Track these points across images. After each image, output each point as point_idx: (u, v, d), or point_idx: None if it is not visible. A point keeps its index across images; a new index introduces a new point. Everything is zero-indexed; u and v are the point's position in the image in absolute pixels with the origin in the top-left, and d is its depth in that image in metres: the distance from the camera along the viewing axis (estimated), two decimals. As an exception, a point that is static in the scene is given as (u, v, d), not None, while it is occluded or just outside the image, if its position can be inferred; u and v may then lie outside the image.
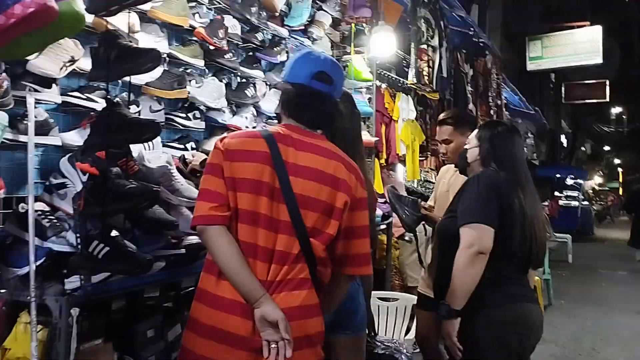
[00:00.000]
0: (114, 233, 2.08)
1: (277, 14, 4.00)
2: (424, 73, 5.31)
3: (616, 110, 35.27)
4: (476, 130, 2.64)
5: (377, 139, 4.95)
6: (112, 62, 2.04)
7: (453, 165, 3.25)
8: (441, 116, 3.43)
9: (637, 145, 37.61)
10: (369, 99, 4.92)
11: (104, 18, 2.28)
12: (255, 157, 1.79)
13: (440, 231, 2.62)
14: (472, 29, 6.94)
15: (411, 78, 5.32)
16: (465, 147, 2.66)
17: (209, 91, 3.32)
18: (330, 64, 1.93)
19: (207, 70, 3.47)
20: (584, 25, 14.23)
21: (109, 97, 2.16)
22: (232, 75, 3.72)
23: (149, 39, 2.93)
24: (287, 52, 4.15)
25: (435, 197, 3.52)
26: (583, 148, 32.66)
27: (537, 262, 2.49)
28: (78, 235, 2.08)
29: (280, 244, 1.78)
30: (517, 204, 2.34)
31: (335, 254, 1.88)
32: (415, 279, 4.54)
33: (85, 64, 2.46)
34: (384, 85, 5.39)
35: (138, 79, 2.76)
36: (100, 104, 2.48)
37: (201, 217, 1.77)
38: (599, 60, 13.80)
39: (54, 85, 2.34)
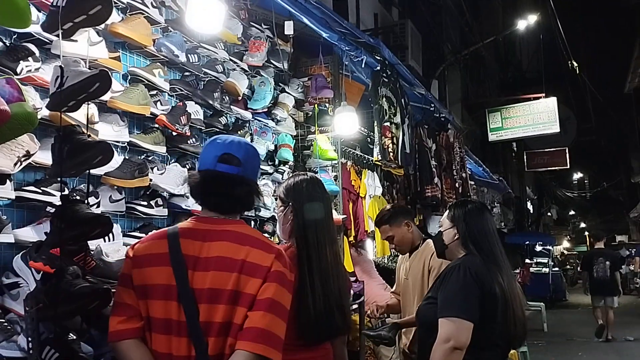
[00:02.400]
0: (69, 336, 1.96)
1: (240, 97, 4.05)
2: (389, 150, 5.39)
3: (578, 175, 36.34)
4: (447, 212, 2.65)
5: (344, 216, 4.94)
6: (65, 157, 1.99)
7: (406, 257, 3.62)
8: (375, 220, 3.72)
9: (601, 210, 38.54)
10: (335, 177, 4.94)
11: (64, 112, 2.26)
12: (159, 260, 1.73)
13: (420, 317, 2.57)
14: (432, 104, 7.14)
15: (376, 155, 5.38)
16: (440, 229, 2.67)
17: (171, 177, 3.28)
18: (236, 145, 1.88)
19: (169, 156, 3.45)
20: (540, 97, 14.78)
21: (63, 192, 2.09)
22: (196, 160, 3.70)
23: (109, 129, 2.91)
24: (251, 135, 4.18)
25: (399, 284, 3.68)
26: (549, 214, 33.23)
27: (518, 343, 2.49)
28: (30, 339, 1.96)
29: (183, 350, 1.68)
30: (498, 290, 2.31)
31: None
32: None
33: (41, 157, 2.41)
34: (349, 163, 5.43)
35: (98, 170, 2.71)
36: (56, 197, 2.41)
37: (111, 334, 1.71)
38: (556, 129, 14.26)
39: (7, 180, 2.27)
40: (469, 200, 2.83)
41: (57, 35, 2.00)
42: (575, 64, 16.82)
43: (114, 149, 2.88)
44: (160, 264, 1.73)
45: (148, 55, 3.36)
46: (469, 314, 2.23)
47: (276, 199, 2.61)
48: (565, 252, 33.12)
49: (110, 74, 2.18)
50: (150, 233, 2.03)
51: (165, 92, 3.40)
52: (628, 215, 29.11)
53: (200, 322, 1.68)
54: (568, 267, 27.13)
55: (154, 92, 3.29)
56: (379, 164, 5.65)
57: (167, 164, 3.36)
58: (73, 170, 2.08)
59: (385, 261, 5.83)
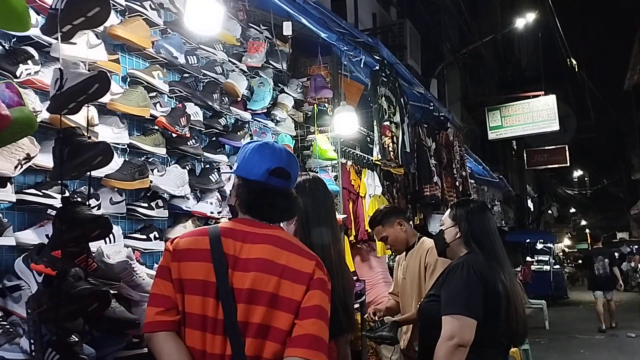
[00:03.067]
0: (71, 339, 1.97)
1: (239, 98, 4.05)
2: (389, 149, 5.39)
3: (578, 173, 36.34)
4: (449, 210, 2.67)
5: (345, 216, 4.95)
6: (65, 159, 2.00)
7: (402, 256, 3.69)
8: (369, 222, 3.84)
9: (601, 207, 38.55)
10: (335, 177, 4.95)
11: (64, 115, 2.27)
12: (200, 256, 1.73)
13: (422, 315, 2.57)
14: (431, 103, 7.14)
15: (376, 154, 5.38)
16: (441, 228, 2.67)
17: (171, 179, 3.28)
18: (286, 157, 1.85)
19: (169, 158, 3.46)
20: (539, 95, 14.79)
21: (64, 194, 2.10)
22: (196, 161, 3.71)
23: (109, 131, 2.91)
24: (250, 136, 4.19)
25: (397, 284, 3.70)
26: (550, 211, 33.23)
27: (520, 341, 2.50)
28: (32, 341, 1.96)
29: (217, 347, 1.67)
30: (501, 288, 2.32)
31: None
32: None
33: (42, 159, 2.42)
34: (349, 162, 5.44)
35: (99, 171, 2.72)
36: (57, 199, 2.42)
37: (147, 324, 1.69)
38: (555, 127, 14.27)
39: (8, 184, 2.28)
40: (471, 200, 2.85)
41: (56, 38, 2.00)
42: (574, 62, 16.83)
43: (113, 150, 2.92)
44: (201, 259, 1.72)
45: (147, 57, 3.37)
46: (472, 312, 2.23)
47: None
48: (567, 249, 33.12)
49: (109, 75, 2.18)
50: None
51: (164, 93, 3.41)
52: (629, 212, 29.10)
53: (238, 322, 1.67)
54: (569, 264, 27.10)
55: (154, 94, 3.30)
56: (379, 163, 5.65)
57: (167, 166, 3.36)
58: (74, 172, 2.08)
59: (386, 260, 5.82)
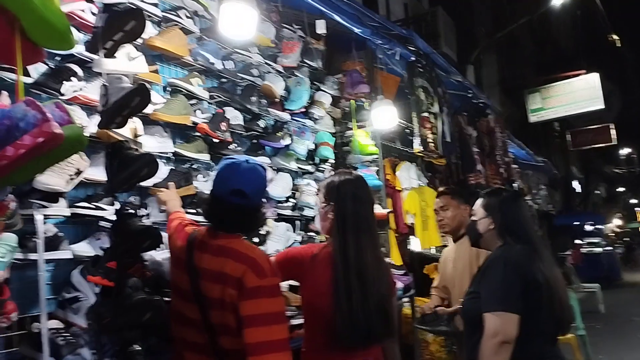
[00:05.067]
0: (132, 347, 2.02)
1: (277, 99, 4.07)
2: (429, 140, 5.33)
3: (624, 151, 35.21)
4: (480, 200, 2.62)
5: (389, 210, 4.92)
6: (114, 172, 2.06)
7: (451, 244, 3.69)
8: (439, 189, 3.83)
9: (652, 184, 37.30)
10: (377, 171, 4.92)
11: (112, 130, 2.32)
12: (179, 264, 2.13)
13: (464, 313, 2.54)
14: (470, 91, 7.03)
15: (417, 146, 5.33)
16: (473, 218, 2.63)
17: (214, 184, 3.32)
18: (246, 179, 2.10)
19: (213, 163, 3.50)
20: (580, 74, 14.40)
21: (117, 207, 2.16)
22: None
23: (153, 141, 2.97)
24: (290, 136, 4.20)
25: (444, 277, 3.64)
26: (598, 192, 32.33)
27: (566, 329, 2.43)
28: (94, 352, 2.02)
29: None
30: (541, 277, 2.28)
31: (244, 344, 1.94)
32: None
33: (91, 173, 2.48)
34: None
35: (146, 182, 2.77)
36: (108, 211, 2.48)
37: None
38: (600, 105, 13.87)
39: (61, 198, 2.35)
40: (502, 188, 2.82)
41: (100, 55, 2.05)
42: (616, 37, 16.29)
43: (159, 160, 2.98)
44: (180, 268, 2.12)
45: (185, 65, 3.41)
46: (513, 307, 2.21)
47: (317, 193, 2.64)
48: (618, 229, 32.16)
49: (148, 86, 2.22)
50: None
51: (204, 100, 3.45)
52: (681, 187, 28.09)
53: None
54: (621, 244, 26.33)
55: (194, 101, 3.34)
56: (421, 155, 5.60)
57: (211, 171, 3.40)
58: (124, 184, 2.14)
59: (434, 251, 5.77)
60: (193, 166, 3.27)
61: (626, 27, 22.98)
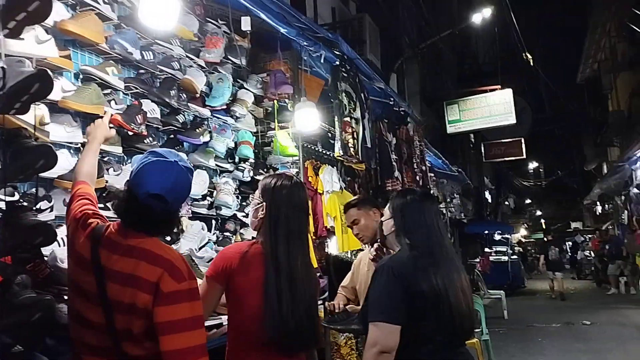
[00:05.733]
0: (15, 349, 1.88)
1: (197, 95, 3.97)
2: (350, 145, 5.38)
3: (533, 165, 37.23)
4: (390, 200, 2.59)
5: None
6: (8, 162, 1.91)
7: (367, 249, 3.54)
8: (344, 205, 3.71)
9: (556, 197, 39.62)
10: (297, 173, 4.91)
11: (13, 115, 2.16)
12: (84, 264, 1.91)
13: (361, 320, 2.52)
14: (391, 98, 7.16)
15: (337, 150, 5.36)
16: (381, 219, 2.63)
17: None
18: (171, 183, 1.90)
19: (125, 156, 3.36)
20: (496, 89, 15.06)
21: (5, 199, 2.01)
22: (153, 159, 3.61)
23: (61, 130, 2.81)
24: (209, 133, 4.11)
25: (354, 277, 3.65)
26: (507, 203, 33.92)
27: (466, 334, 2.39)
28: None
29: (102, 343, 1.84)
30: (427, 287, 2.23)
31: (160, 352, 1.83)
32: None
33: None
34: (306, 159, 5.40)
35: (51, 172, 2.62)
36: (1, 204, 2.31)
37: None
38: (512, 120, 14.56)
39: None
40: (411, 190, 2.71)
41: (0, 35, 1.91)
42: (530, 56, 17.16)
43: (67, 150, 2.82)
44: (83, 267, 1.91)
45: (100, 52, 3.25)
46: (393, 317, 2.20)
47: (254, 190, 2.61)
48: (523, 239, 33.89)
49: (50, 73, 2.08)
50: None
51: (119, 90, 3.30)
52: (582, 202, 29.96)
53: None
54: (526, 254, 27.75)
55: (108, 91, 3.19)
56: (341, 159, 5.64)
57: (123, 165, 3.27)
58: (19, 174, 1.99)
59: (349, 256, 5.82)
60: (104, 159, 3.12)
61: (539, 49, 24.30)
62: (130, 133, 3.25)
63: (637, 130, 15.38)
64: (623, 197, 14.86)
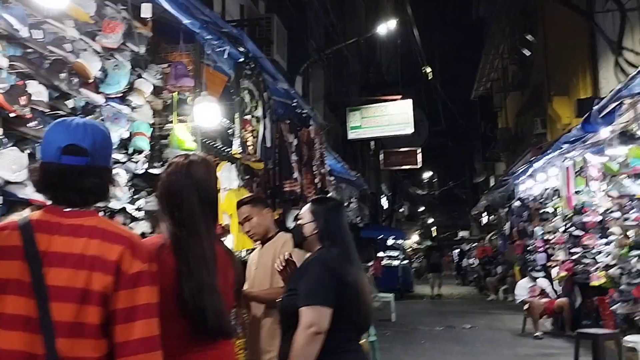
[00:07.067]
0: None
1: (90, 80, 3.78)
2: (248, 143, 5.35)
3: (428, 174, 38.92)
4: (309, 205, 2.79)
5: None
6: None
7: (258, 249, 3.66)
8: (237, 201, 3.74)
9: (447, 206, 41.64)
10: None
11: None
12: (6, 253, 1.61)
13: (283, 309, 2.65)
14: (295, 100, 7.21)
15: (236, 148, 5.32)
16: (299, 222, 2.77)
17: (6, 163, 2.99)
18: (81, 132, 1.70)
19: (6, 139, 3.14)
20: (397, 99, 15.58)
21: None
22: (38, 144, 3.41)
23: None
24: (102, 120, 3.93)
25: (249, 277, 3.61)
26: (401, 210, 35.20)
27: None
28: None
29: (25, 345, 1.56)
30: (351, 279, 2.52)
31: (112, 344, 1.63)
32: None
33: None
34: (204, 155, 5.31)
35: None
36: None
37: None
38: (410, 130, 15.15)
39: None
40: (329, 198, 3.06)
41: None
42: (429, 70, 17.91)
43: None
44: (7, 257, 1.60)
45: (-17, 27, 3.03)
46: (328, 302, 2.42)
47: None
48: (415, 245, 35.29)
49: None
50: None
51: (2, 69, 3.08)
52: (470, 212, 31.68)
53: (53, 322, 1.56)
54: (416, 260, 28.89)
55: (-11, 68, 2.97)
56: (239, 157, 5.60)
57: (2, 148, 3.05)
58: None
59: (243, 254, 5.78)
60: (-20, 140, 2.91)
61: (439, 64, 25.44)
62: (12, 115, 3.04)
63: (522, 147, 16.53)
64: (506, 209, 15.86)
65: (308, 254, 2.72)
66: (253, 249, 5.81)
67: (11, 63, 3.12)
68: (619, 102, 6.02)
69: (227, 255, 2.23)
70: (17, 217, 2.98)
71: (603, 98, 6.70)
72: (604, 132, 6.94)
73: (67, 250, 1.63)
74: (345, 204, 13.55)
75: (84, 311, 1.59)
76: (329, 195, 8.14)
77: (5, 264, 1.59)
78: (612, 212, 8.03)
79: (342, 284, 2.48)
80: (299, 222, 2.78)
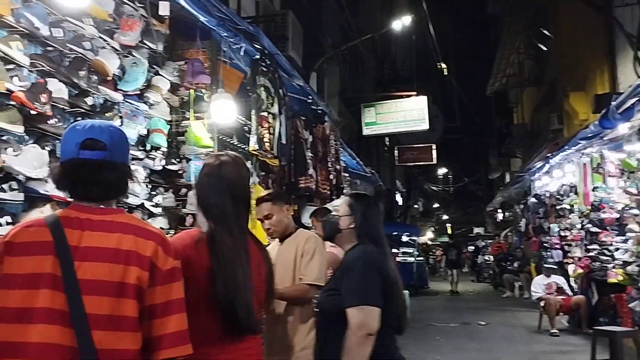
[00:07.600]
0: None
1: (109, 77, 3.83)
2: (265, 140, 5.38)
3: (442, 171, 38.73)
4: (347, 199, 2.78)
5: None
6: None
7: (275, 242, 3.59)
8: (257, 198, 3.67)
9: (461, 203, 41.42)
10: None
11: None
12: (38, 249, 1.64)
13: (322, 308, 2.64)
14: (310, 97, 7.22)
15: (253, 144, 5.34)
16: (334, 214, 2.77)
17: (28, 159, 3.03)
18: (97, 129, 1.75)
19: (27, 136, 3.18)
20: (412, 95, 15.52)
21: None
22: (58, 141, 3.45)
23: (-45, 104, 2.63)
24: (120, 118, 3.97)
25: None
26: (416, 206, 35.09)
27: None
28: None
29: (61, 338, 1.59)
30: (392, 275, 2.50)
31: (146, 338, 1.69)
32: None
33: None
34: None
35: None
36: None
37: None
38: (425, 127, 15.07)
39: None
40: (367, 194, 2.99)
41: None
42: (444, 66, 17.82)
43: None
44: (40, 252, 1.63)
45: (5, 26, 3.06)
46: (375, 301, 2.38)
47: None
48: (429, 242, 35.16)
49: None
50: (25, 221, 1.83)
51: (24, 67, 3.13)
52: (485, 208, 31.49)
53: (87, 315, 1.60)
54: (430, 256, 28.78)
55: (11, 66, 3.02)
56: (255, 153, 5.62)
57: (24, 145, 3.10)
58: None
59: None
60: (3, 137, 2.95)
61: (454, 59, 25.31)
62: (33, 112, 3.09)
63: (538, 143, 16.40)
64: (522, 206, 15.75)
65: (335, 250, 2.69)
66: (267, 244, 5.85)
67: (32, 61, 3.17)
68: (638, 97, 5.94)
69: (260, 251, 2.26)
70: (38, 213, 3.04)
71: (621, 93, 6.62)
72: (622, 128, 6.86)
73: (101, 245, 1.67)
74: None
75: (121, 304, 1.64)
76: (341, 187, 8.14)
77: (37, 259, 1.62)
78: (630, 209, 7.96)
79: (386, 281, 2.45)
80: (334, 213, 2.78)
